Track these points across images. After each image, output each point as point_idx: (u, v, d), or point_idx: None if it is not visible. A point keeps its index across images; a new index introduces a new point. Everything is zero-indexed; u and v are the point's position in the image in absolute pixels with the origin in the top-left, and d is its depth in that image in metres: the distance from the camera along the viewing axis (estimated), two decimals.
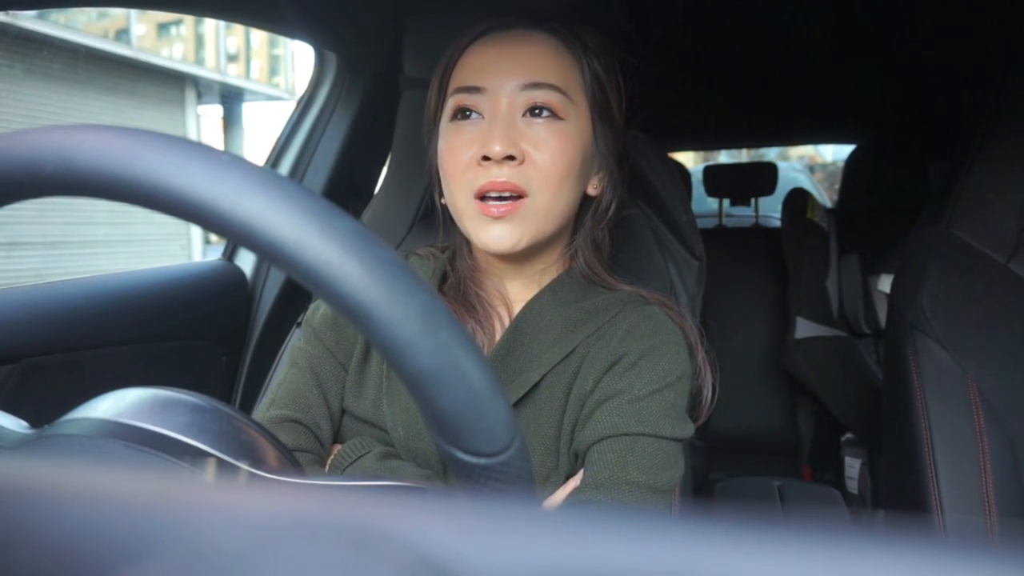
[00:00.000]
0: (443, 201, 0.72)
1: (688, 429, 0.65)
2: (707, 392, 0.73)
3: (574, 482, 0.64)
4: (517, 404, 0.67)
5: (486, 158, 0.64)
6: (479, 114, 0.66)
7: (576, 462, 0.66)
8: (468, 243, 0.74)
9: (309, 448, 0.67)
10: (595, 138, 0.70)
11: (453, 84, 0.69)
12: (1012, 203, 0.88)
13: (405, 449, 0.68)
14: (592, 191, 0.73)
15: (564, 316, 0.70)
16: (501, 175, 0.63)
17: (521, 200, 0.64)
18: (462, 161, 0.65)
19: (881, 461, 1.62)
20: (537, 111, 0.65)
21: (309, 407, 0.69)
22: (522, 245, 0.66)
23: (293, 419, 0.68)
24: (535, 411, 0.67)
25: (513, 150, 0.63)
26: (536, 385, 0.67)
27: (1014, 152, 0.89)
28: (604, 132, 0.71)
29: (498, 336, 0.71)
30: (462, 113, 0.67)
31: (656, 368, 0.65)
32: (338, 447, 0.69)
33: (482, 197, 0.65)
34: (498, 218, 0.64)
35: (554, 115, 0.65)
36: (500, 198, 0.64)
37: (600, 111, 0.70)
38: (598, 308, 0.71)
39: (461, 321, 0.70)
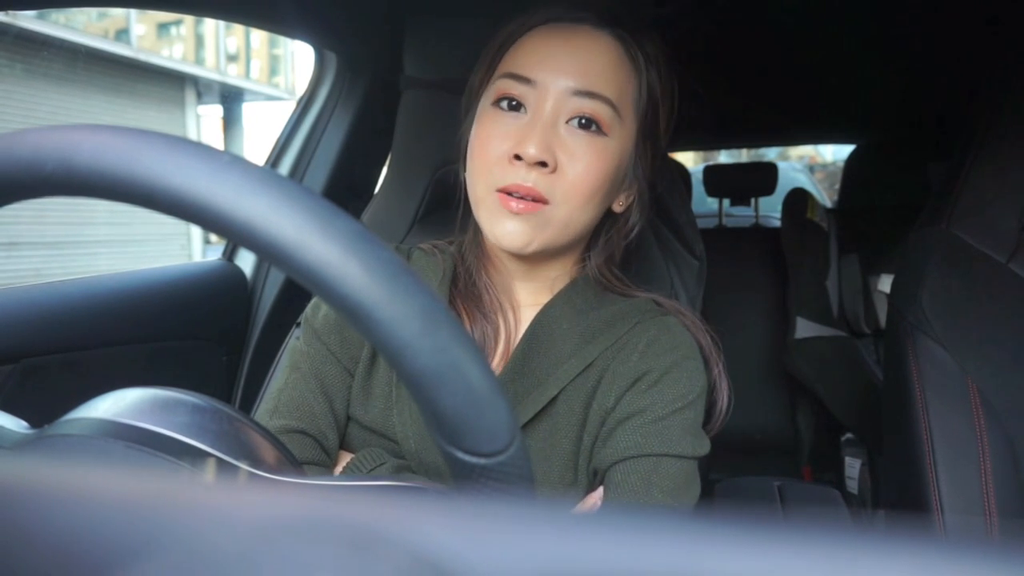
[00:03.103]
0: (464, 175, 0.69)
1: (705, 446, 0.64)
2: (722, 404, 0.71)
3: (592, 498, 0.62)
4: (535, 418, 0.65)
5: (518, 157, 0.61)
6: (523, 106, 0.63)
7: (595, 479, 0.64)
8: (480, 235, 0.71)
9: (316, 461, 0.64)
10: (635, 158, 0.68)
11: (504, 67, 0.65)
12: (1012, 203, 0.87)
13: (417, 461, 0.65)
14: (617, 208, 0.70)
15: (581, 325, 0.68)
16: (528, 179, 0.61)
17: (542, 204, 0.62)
18: (493, 154, 0.63)
19: (881, 461, 1.62)
20: (583, 122, 0.62)
21: (314, 416, 0.65)
22: (533, 247, 0.63)
23: (299, 430, 0.64)
24: (553, 425, 0.65)
25: (547, 156, 0.60)
26: (554, 399, 0.65)
27: (1014, 152, 0.88)
28: (644, 153, 0.68)
29: (502, 337, 0.69)
30: (507, 102, 0.63)
31: (678, 386, 0.64)
32: (345, 454, 0.67)
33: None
34: (516, 214, 0.61)
35: (599, 130, 0.63)
36: (521, 197, 0.62)
37: (647, 131, 0.68)
38: (615, 317, 0.68)
39: (470, 323, 0.69)
